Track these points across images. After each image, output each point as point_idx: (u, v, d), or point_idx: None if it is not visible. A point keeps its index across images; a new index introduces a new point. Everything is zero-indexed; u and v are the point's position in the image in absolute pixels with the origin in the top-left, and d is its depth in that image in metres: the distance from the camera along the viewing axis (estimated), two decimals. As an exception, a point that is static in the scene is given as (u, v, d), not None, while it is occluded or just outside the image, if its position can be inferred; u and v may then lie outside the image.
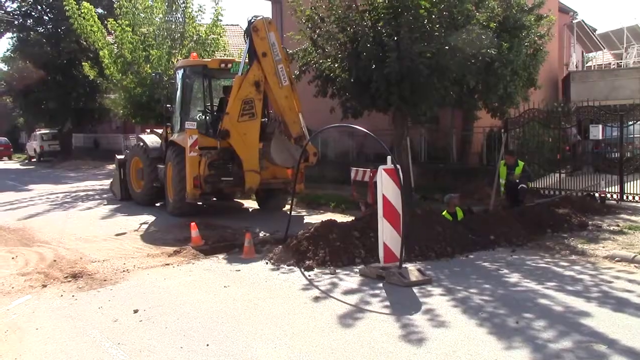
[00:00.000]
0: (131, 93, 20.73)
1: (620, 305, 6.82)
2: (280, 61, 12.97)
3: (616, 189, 14.24)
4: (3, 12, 39.00)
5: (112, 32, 20.96)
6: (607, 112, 15.69)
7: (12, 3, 39.32)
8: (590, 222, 11.60)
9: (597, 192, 14.22)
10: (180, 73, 15.04)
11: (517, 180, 12.48)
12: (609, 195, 14.05)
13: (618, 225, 11.44)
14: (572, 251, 9.62)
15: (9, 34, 40.09)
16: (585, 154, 17.45)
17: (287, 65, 13.25)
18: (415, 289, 7.56)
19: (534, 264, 8.88)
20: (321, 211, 14.69)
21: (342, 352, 5.58)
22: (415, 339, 5.87)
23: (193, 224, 10.95)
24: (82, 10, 20.62)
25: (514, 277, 8.15)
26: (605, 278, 8.02)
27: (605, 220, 11.99)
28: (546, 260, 9.14)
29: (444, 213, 11.14)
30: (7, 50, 43.68)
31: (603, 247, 9.76)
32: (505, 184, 12.77)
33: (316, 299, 7.34)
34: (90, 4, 21.40)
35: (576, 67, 29.17)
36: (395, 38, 11.63)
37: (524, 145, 16.00)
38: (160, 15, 20.68)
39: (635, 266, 8.65)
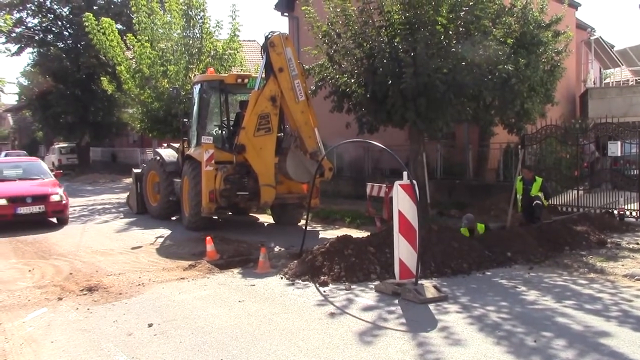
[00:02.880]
0: (148, 107, 20.93)
1: (641, 324, 6.70)
2: (296, 76, 13.03)
3: (635, 206, 14.06)
4: (24, 27, 39.63)
5: (131, 47, 21.21)
6: (625, 128, 15.55)
7: (33, 19, 40.01)
8: (609, 240, 11.47)
9: (615, 209, 14.06)
10: (197, 88, 15.15)
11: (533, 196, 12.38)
12: (627, 213, 13.87)
13: (638, 243, 11.29)
14: (591, 269, 9.49)
15: (29, 49, 40.76)
16: (604, 170, 17.28)
17: (303, 80, 13.30)
18: (431, 306, 7.49)
19: (551, 282, 8.77)
20: (336, 226, 14.65)
21: (357, 369, 5.52)
22: (432, 358, 5.79)
23: (208, 238, 10.96)
24: (102, 26, 20.88)
25: (532, 295, 8.04)
26: (624, 297, 7.89)
27: (624, 238, 11.84)
28: (564, 278, 9.02)
29: (462, 230, 11.05)
30: (28, 64, 44.42)
31: (622, 265, 9.63)
32: (521, 200, 12.66)
33: (331, 314, 7.29)
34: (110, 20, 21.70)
35: (594, 83, 29.00)
36: (412, 54, 11.64)
37: (541, 161, 15.88)
38: (179, 31, 20.88)
39: (655, 285, 8.50)
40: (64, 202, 15.39)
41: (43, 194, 15.11)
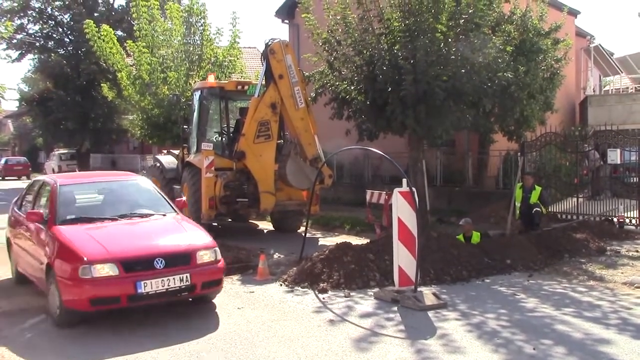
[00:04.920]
0: (149, 114, 20.93)
1: (640, 332, 6.70)
2: (296, 83, 13.06)
3: (635, 214, 14.05)
4: (25, 34, 39.75)
5: (131, 54, 21.25)
6: (625, 136, 15.57)
7: (34, 25, 40.15)
8: (608, 248, 11.46)
9: (615, 217, 14.05)
10: (197, 95, 15.16)
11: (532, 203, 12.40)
12: (627, 221, 13.87)
13: (637, 251, 11.29)
14: (590, 277, 9.48)
15: (30, 56, 40.89)
16: (603, 178, 17.28)
17: (303, 87, 13.33)
18: (430, 313, 7.48)
19: (551, 289, 8.77)
20: (336, 233, 14.64)
21: (356, 377, 5.52)
22: (430, 364, 5.79)
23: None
24: (102, 33, 20.93)
25: (531, 303, 8.04)
26: (624, 304, 7.89)
27: (624, 246, 11.84)
28: (564, 285, 9.02)
29: (459, 237, 11.06)
30: (28, 71, 44.58)
31: (622, 272, 9.62)
32: (520, 207, 12.66)
33: (330, 322, 7.29)
34: (110, 27, 21.77)
35: (593, 91, 29.02)
36: (412, 61, 11.66)
37: (540, 169, 15.89)
38: (179, 38, 20.92)
39: (655, 293, 8.50)
40: (220, 262, 7.77)
41: (184, 250, 7.53)
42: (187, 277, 7.26)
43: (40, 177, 9.85)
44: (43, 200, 8.78)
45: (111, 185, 9.28)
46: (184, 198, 10.80)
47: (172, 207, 8.83)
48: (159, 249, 7.37)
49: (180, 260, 7.37)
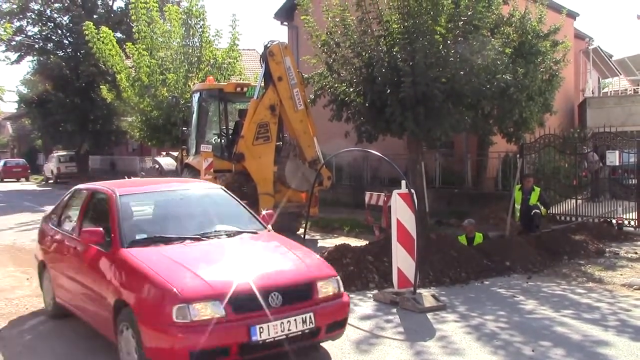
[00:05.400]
0: (148, 116, 20.95)
1: (639, 334, 6.70)
2: (295, 85, 13.07)
3: (634, 215, 14.07)
4: (24, 36, 39.75)
5: (130, 56, 21.26)
6: (623, 138, 15.58)
7: (33, 27, 40.15)
8: (607, 249, 11.47)
9: (614, 218, 14.06)
10: (196, 96, 15.17)
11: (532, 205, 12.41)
12: (626, 222, 13.88)
13: (636, 253, 11.30)
14: (589, 278, 9.49)
15: (29, 57, 40.88)
16: (602, 180, 17.30)
17: (302, 89, 13.34)
18: (429, 315, 7.48)
19: (550, 291, 8.77)
20: (335, 235, 14.64)
21: (355, 379, 5.51)
22: (429, 366, 5.79)
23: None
24: (101, 35, 20.94)
25: (530, 304, 8.04)
26: (623, 306, 7.89)
27: (623, 248, 11.85)
28: (563, 287, 9.02)
29: (460, 237, 11.07)
30: (27, 73, 44.53)
31: (621, 274, 9.63)
32: (520, 209, 12.67)
33: (329, 323, 7.27)
34: (109, 29, 21.78)
35: (592, 93, 29.06)
36: (411, 63, 11.66)
37: (539, 170, 15.91)
38: (178, 40, 20.94)
39: (653, 294, 8.51)
40: (344, 296, 6.08)
41: (303, 280, 5.82)
42: (310, 317, 5.44)
43: (85, 186, 7.94)
44: (94, 215, 7.14)
45: (183, 195, 7.45)
46: (269, 210, 8.28)
47: (260, 222, 7.22)
48: (272, 281, 5.50)
49: (300, 294, 5.57)
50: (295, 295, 5.51)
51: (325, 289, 5.73)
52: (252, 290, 5.26)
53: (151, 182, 9.08)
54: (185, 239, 6.25)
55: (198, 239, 6.28)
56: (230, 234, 6.61)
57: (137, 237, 6.18)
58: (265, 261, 6.02)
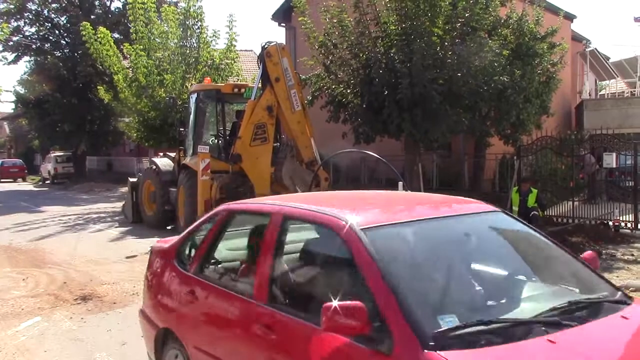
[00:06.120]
0: (145, 117, 20.93)
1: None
2: (292, 86, 13.06)
3: (630, 217, 14.08)
4: (21, 36, 39.68)
5: (128, 56, 21.24)
6: (620, 140, 15.60)
7: (31, 27, 40.05)
8: (604, 251, 11.46)
9: (610, 220, 14.07)
10: (193, 97, 15.16)
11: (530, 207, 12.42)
12: (623, 224, 13.89)
13: (632, 255, 11.29)
14: (586, 280, 9.47)
15: (26, 58, 40.80)
16: (599, 182, 17.32)
17: (299, 90, 13.34)
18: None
19: (547, 293, 8.74)
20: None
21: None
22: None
23: (204, 247, 10.63)
24: (99, 35, 20.92)
25: (527, 306, 8.00)
26: (619, 308, 7.87)
27: (619, 250, 11.85)
28: (559, 289, 8.99)
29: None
30: (24, 73, 44.48)
31: (617, 276, 9.62)
32: (517, 211, 12.66)
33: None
34: (107, 29, 21.75)
35: (589, 95, 29.10)
36: (408, 64, 11.70)
37: (536, 172, 15.92)
38: (175, 41, 20.94)
39: (650, 296, 8.50)
40: None
41: None
42: None
43: (258, 205, 4.62)
44: (281, 272, 3.83)
45: (467, 228, 4.00)
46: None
47: (601, 277, 3.88)
48: None
49: None
50: None
51: None
52: None
53: (383, 200, 4.86)
54: (538, 325, 2.97)
55: (557, 325, 2.97)
56: (593, 312, 3.26)
57: (443, 323, 2.88)
58: None
